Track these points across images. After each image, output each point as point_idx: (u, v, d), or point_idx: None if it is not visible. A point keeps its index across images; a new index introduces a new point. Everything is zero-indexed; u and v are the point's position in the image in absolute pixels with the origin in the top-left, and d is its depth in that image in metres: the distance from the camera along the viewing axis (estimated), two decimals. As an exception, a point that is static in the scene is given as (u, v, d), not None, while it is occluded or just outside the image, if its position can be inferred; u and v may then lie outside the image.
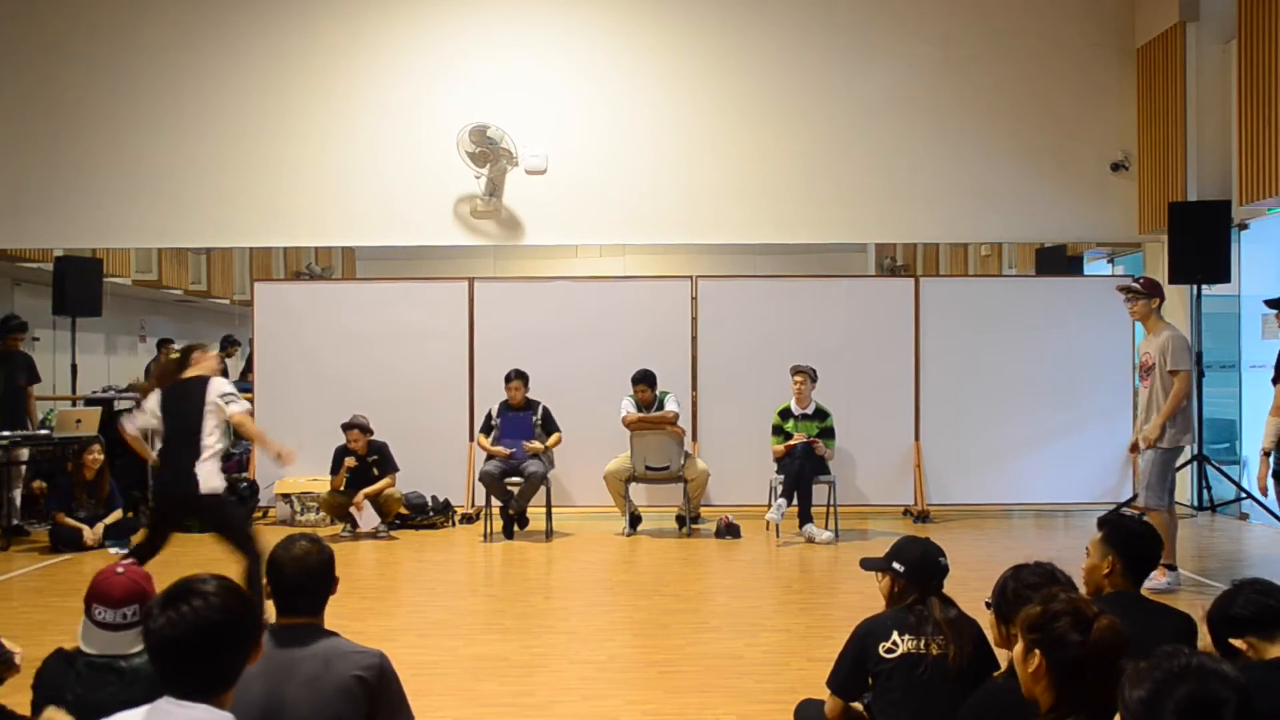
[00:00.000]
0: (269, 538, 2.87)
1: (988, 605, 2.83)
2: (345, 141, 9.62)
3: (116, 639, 2.73)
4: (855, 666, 3.07)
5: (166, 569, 6.41)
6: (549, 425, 8.42)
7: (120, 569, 2.83)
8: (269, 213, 9.63)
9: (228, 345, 13.50)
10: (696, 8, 9.67)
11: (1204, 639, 2.74)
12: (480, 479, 8.24)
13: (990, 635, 2.91)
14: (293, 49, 9.67)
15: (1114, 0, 9.58)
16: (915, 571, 3.14)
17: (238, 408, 5.38)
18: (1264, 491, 5.72)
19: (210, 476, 5.32)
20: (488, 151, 9.27)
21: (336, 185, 9.61)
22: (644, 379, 8.40)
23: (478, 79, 9.62)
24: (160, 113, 9.64)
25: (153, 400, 5.47)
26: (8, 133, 9.67)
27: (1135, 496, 8.90)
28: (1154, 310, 6.39)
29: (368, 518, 8.36)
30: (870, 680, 3.05)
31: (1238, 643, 2.55)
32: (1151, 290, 6.39)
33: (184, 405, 5.35)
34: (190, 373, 5.50)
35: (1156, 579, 6.09)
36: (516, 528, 8.31)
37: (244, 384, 11.83)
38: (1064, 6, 9.58)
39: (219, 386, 5.40)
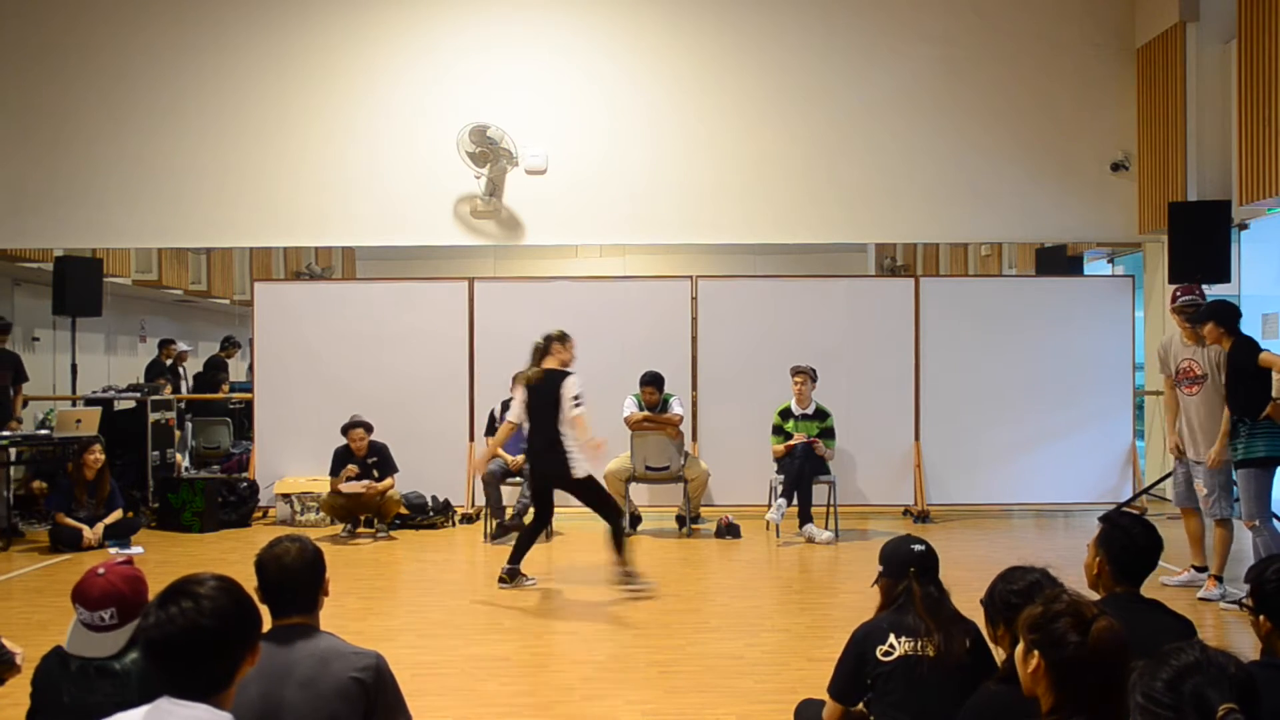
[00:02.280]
0: (268, 538, 2.86)
1: (982, 603, 2.84)
2: (345, 141, 9.63)
3: (95, 640, 2.71)
4: (854, 671, 3.07)
5: (168, 569, 6.40)
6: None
7: (101, 570, 2.80)
8: (269, 213, 9.64)
9: (227, 346, 13.52)
10: (696, 8, 9.66)
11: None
12: (483, 477, 8.19)
13: (986, 634, 2.92)
14: (293, 49, 9.67)
15: (1114, 0, 9.58)
16: (890, 565, 3.19)
17: (578, 411, 6.26)
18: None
19: (580, 464, 6.27)
20: (488, 151, 9.27)
21: (336, 185, 9.61)
22: (652, 381, 8.39)
23: (478, 79, 9.62)
24: (160, 113, 9.64)
25: (521, 390, 6.41)
26: (8, 132, 9.68)
27: (1135, 496, 8.92)
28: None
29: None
30: (869, 683, 3.06)
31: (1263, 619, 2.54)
32: (1204, 301, 6.35)
33: (548, 392, 6.29)
34: (549, 362, 6.40)
35: (1208, 588, 6.09)
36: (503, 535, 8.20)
37: (245, 384, 11.88)
38: (1064, 6, 9.58)
39: (572, 388, 6.27)
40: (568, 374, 6.35)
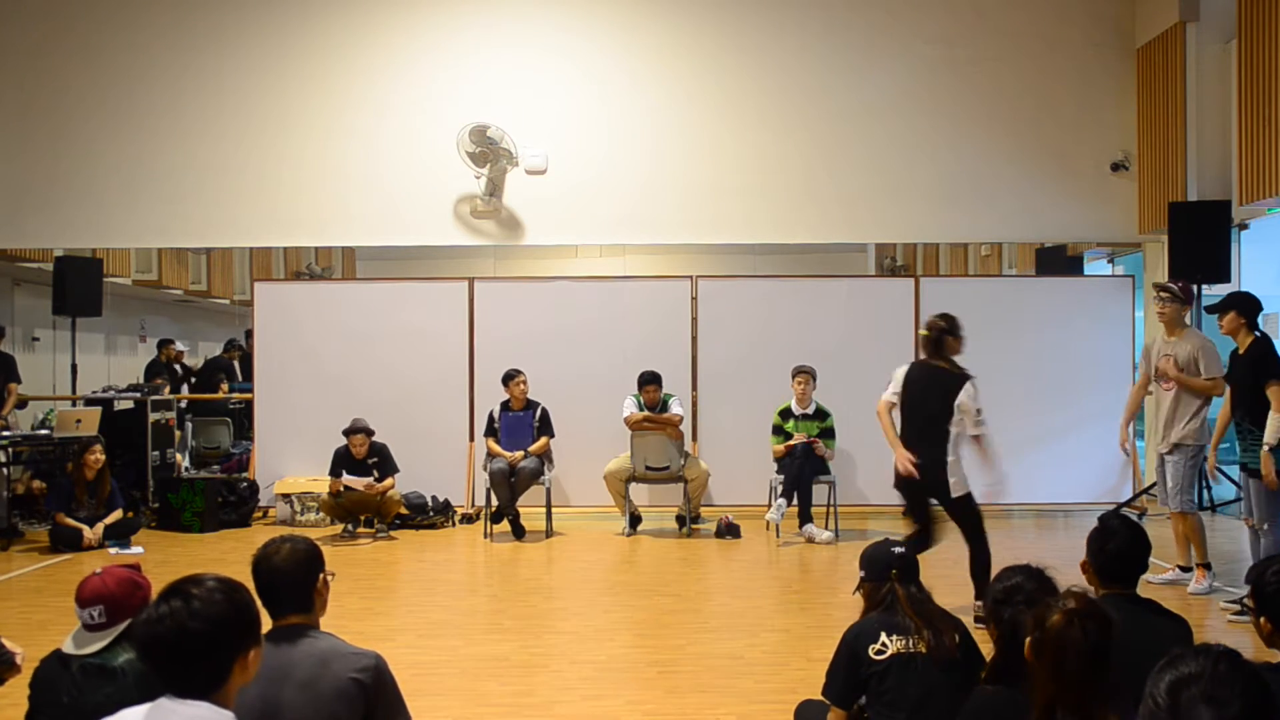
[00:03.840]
0: (267, 538, 2.86)
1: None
2: (345, 141, 9.63)
3: (82, 638, 2.77)
4: (849, 672, 3.07)
5: (168, 569, 6.40)
6: (544, 428, 8.41)
7: (100, 570, 2.84)
8: (269, 213, 9.64)
9: (230, 349, 13.53)
10: (696, 8, 9.67)
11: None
12: (490, 476, 8.18)
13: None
14: (293, 49, 9.68)
15: (1114, 0, 9.58)
16: (872, 568, 3.21)
17: (983, 430, 5.42)
18: (1273, 485, 5.68)
19: (956, 484, 5.37)
20: (488, 151, 9.27)
21: (336, 185, 9.61)
22: (651, 380, 8.40)
23: (478, 79, 9.63)
24: (160, 113, 9.65)
25: (899, 372, 5.56)
26: (8, 133, 9.68)
27: (1135, 496, 8.92)
28: (1182, 316, 6.37)
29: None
30: (864, 683, 3.06)
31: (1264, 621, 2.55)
32: (1187, 296, 6.39)
33: (932, 392, 5.40)
34: (941, 361, 5.44)
35: (1197, 581, 6.11)
36: (512, 532, 8.22)
37: (245, 384, 11.88)
38: (1064, 6, 9.58)
39: (976, 399, 5.39)
40: (966, 376, 5.40)
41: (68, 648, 2.76)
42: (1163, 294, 6.38)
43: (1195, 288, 8.75)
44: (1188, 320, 6.51)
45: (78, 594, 2.79)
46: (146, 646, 2.06)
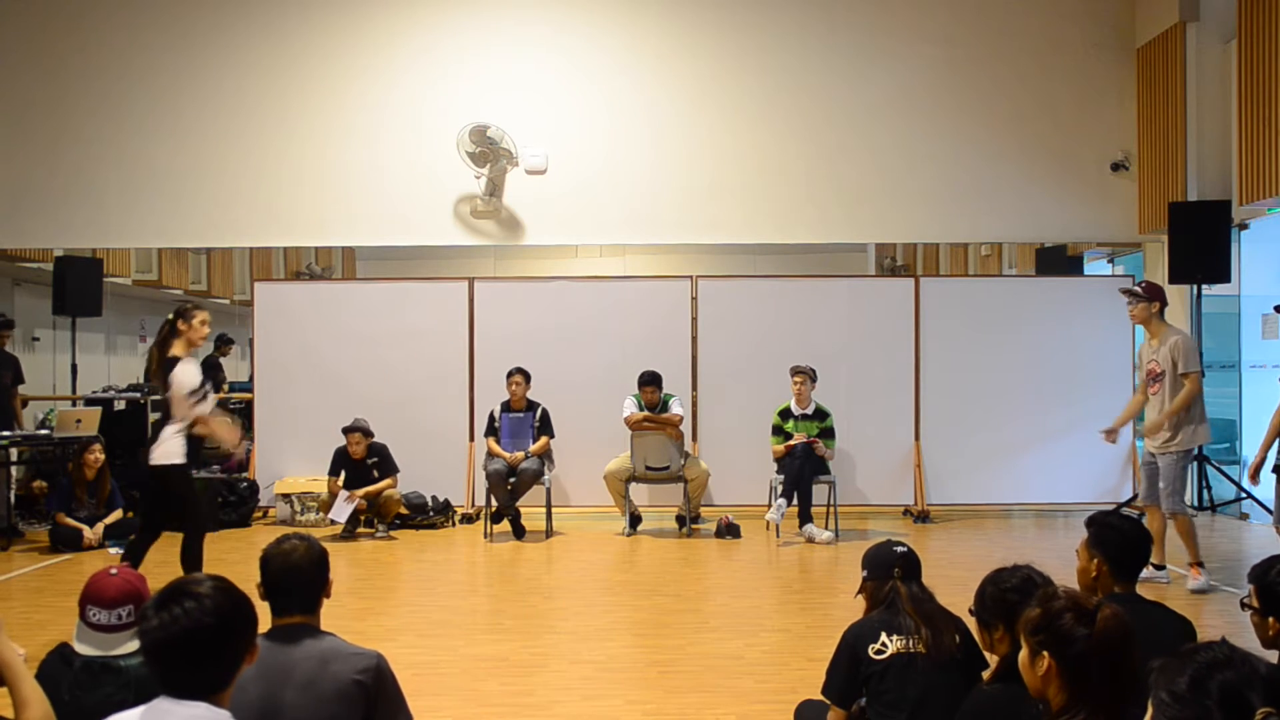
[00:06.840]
0: (268, 538, 2.86)
1: (971, 612, 2.82)
2: (345, 141, 9.62)
3: (110, 639, 2.74)
4: (849, 672, 3.06)
5: (168, 569, 6.41)
6: (544, 428, 8.41)
7: (113, 570, 2.84)
8: (269, 213, 9.64)
9: (221, 344, 13.51)
10: (696, 8, 9.67)
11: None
12: (488, 477, 8.19)
13: (980, 640, 2.90)
14: (293, 49, 9.68)
15: (1114, 0, 9.58)
16: (874, 568, 3.21)
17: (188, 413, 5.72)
18: None
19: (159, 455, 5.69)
20: (488, 151, 9.27)
21: (336, 185, 9.61)
22: (651, 380, 8.41)
23: (478, 79, 9.62)
24: (160, 113, 9.64)
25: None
26: (8, 133, 9.68)
27: (1135, 497, 8.92)
28: (1155, 314, 6.43)
29: (340, 509, 8.15)
30: (864, 683, 3.05)
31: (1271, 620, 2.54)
32: (1152, 294, 6.44)
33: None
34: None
35: (1193, 579, 6.13)
36: (512, 532, 8.24)
37: (245, 383, 11.87)
38: (1064, 6, 9.58)
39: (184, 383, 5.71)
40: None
41: (88, 650, 2.74)
42: (1127, 296, 6.49)
43: (1196, 287, 8.80)
44: (1164, 318, 6.54)
45: (98, 595, 2.76)
46: (162, 648, 2.05)
